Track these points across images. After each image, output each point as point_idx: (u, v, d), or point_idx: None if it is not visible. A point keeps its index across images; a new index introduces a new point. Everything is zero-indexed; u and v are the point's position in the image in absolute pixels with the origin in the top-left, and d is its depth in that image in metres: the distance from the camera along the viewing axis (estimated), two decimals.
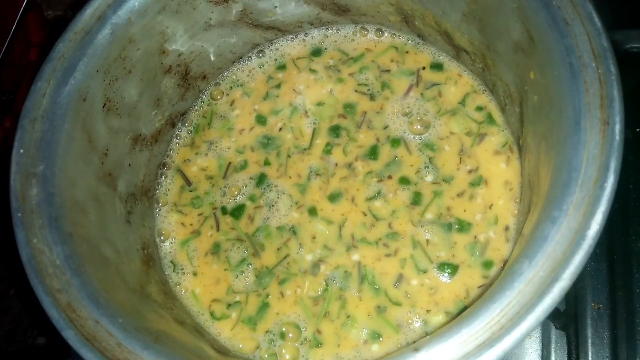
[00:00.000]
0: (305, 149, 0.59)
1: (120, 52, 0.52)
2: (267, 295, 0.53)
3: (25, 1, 0.75)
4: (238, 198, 0.58)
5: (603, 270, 0.58)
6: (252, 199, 0.58)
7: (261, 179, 0.58)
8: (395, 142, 0.57)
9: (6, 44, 0.77)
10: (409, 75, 0.60)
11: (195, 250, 0.57)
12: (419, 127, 0.57)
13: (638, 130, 0.64)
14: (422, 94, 0.58)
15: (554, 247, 0.35)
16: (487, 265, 0.51)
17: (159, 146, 0.60)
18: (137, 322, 0.41)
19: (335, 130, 0.59)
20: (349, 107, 0.60)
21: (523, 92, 0.49)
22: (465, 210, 0.53)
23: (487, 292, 0.38)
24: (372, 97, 0.59)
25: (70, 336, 0.39)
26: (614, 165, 0.35)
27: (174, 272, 0.56)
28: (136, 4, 0.51)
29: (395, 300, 0.51)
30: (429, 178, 0.54)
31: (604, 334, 0.56)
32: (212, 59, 0.61)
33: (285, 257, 0.55)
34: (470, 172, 0.54)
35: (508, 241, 0.52)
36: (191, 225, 0.58)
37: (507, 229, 0.52)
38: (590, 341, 0.55)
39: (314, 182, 0.57)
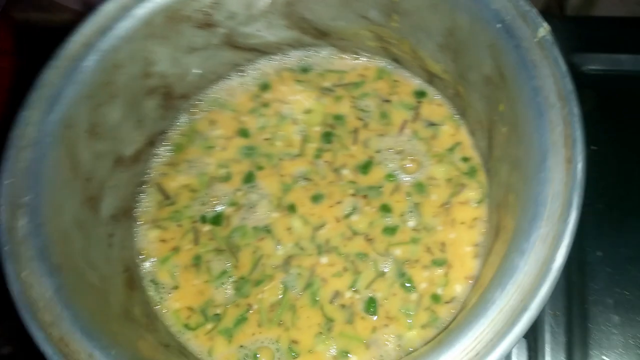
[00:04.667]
0: (296, 155, 0.61)
1: (106, 77, 0.52)
2: (248, 309, 0.55)
3: None
4: (217, 208, 0.60)
5: (560, 280, 0.63)
6: (232, 203, 0.59)
7: (249, 177, 0.60)
8: (390, 177, 0.59)
9: None
10: (409, 108, 0.61)
11: (176, 265, 0.58)
12: (409, 165, 0.59)
13: (593, 147, 0.69)
14: (415, 132, 0.60)
15: (523, 277, 0.38)
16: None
17: (138, 165, 0.61)
18: (128, 352, 0.42)
19: (327, 137, 0.61)
20: (338, 119, 0.62)
21: (492, 122, 0.52)
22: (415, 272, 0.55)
23: (462, 317, 0.41)
24: (366, 125, 0.61)
25: None
26: (576, 202, 0.39)
27: (156, 290, 0.58)
28: (123, 30, 0.52)
29: (329, 316, 0.54)
30: (411, 223, 0.57)
31: (560, 338, 0.60)
32: (193, 79, 0.62)
33: (260, 258, 0.57)
34: (442, 246, 0.56)
35: (476, 257, 0.55)
36: (172, 239, 0.59)
37: (475, 245, 0.56)
38: (548, 346, 0.60)
39: (300, 185, 0.59)
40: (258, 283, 0.56)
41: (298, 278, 0.56)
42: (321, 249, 0.57)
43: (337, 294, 0.55)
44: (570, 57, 0.73)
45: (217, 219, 0.59)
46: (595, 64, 0.72)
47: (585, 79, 0.72)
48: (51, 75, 0.49)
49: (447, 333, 0.40)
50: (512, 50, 0.45)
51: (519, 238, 0.40)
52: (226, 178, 0.61)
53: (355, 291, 0.55)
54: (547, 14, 0.85)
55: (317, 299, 0.55)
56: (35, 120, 0.48)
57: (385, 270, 0.55)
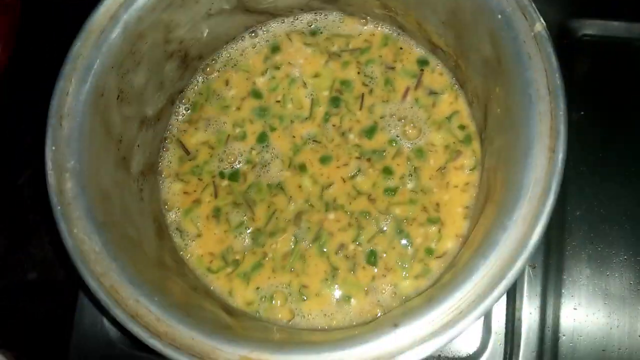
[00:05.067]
0: (305, 118, 0.66)
1: (131, 47, 0.56)
2: (264, 257, 0.63)
3: None
4: (235, 165, 0.66)
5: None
6: (248, 161, 0.65)
7: (262, 137, 0.66)
8: (392, 141, 0.64)
9: None
10: (411, 76, 0.65)
11: (198, 216, 0.65)
12: (410, 131, 0.64)
13: (582, 113, 0.74)
14: (416, 99, 0.64)
15: (503, 250, 0.45)
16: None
17: (160, 123, 0.66)
18: (169, 299, 0.50)
19: (335, 101, 0.66)
20: (345, 85, 0.66)
21: (488, 99, 0.57)
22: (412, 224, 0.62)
23: (451, 277, 0.49)
24: (371, 91, 0.66)
25: (117, 313, 0.47)
26: (554, 188, 0.45)
27: (181, 238, 0.65)
28: (145, 2, 0.55)
29: (335, 265, 0.62)
30: (410, 185, 0.63)
31: (536, 288, 0.69)
32: (208, 41, 0.66)
33: (274, 213, 0.64)
34: (436, 206, 0.62)
35: (466, 217, 0.62)
36: (194, 191, 0.66)
37: (466, 207, 0.62)
38: (525, 293, 0.69)
39: (310, 146, 0.65)
40: (272, 234, 0.63)
41: (308, 231, 0.63)
42: (329, 206, 0.63)
43: (342, 246, 0.63)
44: (567, 23, 0.76)
45: (234, 176, 0.65)
46: (591, 30, 0.75)
47: (581, 45, 0.76)
48: (81, 47, 0.53)
49: (437, 289, 0.48)
50: (510, 41, 0.49)
51: (503, 215, 0.47)
52: (242, 137, 0.66)
53: (358, 244, 0.62)
54: None
55: (324, 250, 0.63)
56: (71, 90, 0.53)
57: (385, 226, 0.62)
